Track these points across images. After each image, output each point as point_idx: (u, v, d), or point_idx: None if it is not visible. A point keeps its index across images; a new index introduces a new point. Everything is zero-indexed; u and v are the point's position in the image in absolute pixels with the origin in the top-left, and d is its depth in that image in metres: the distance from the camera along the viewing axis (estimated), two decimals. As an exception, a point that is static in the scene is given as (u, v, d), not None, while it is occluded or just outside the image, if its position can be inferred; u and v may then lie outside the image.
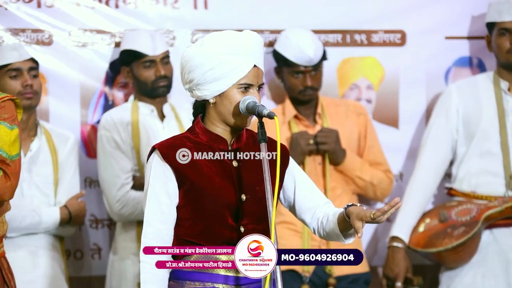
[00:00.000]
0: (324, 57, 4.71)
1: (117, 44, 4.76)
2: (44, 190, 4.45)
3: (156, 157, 3.10)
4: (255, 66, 3.08)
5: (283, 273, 4.12)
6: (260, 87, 3.11)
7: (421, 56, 5.01)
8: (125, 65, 4.65)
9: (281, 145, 3.07)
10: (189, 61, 3.09)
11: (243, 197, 3.10)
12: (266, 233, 2.96)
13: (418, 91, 5.03)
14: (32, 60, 4.42)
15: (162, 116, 4.66)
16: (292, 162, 3.25)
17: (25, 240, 4.40)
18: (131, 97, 4.69)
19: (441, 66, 5.04)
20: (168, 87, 4.63)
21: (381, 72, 5.03)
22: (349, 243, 3.20)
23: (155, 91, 4.60)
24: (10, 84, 4.36)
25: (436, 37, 5.01)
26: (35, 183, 4.43)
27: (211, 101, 3.10)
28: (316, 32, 4.85)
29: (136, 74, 4.61)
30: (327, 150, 4.65)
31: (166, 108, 4.66)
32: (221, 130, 3.14)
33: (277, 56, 4.73)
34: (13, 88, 4.33)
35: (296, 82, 4.69)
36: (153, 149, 3.12)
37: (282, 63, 4.71)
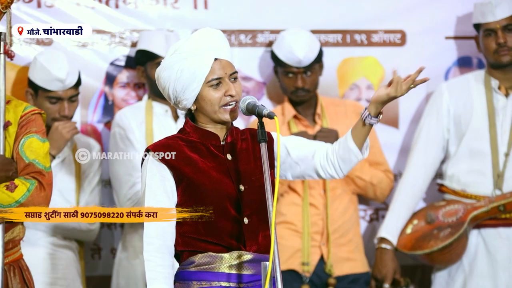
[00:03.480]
0: (318, 60, 4.70)
1: (134, 44, 4.77)
2: (66, 197, 4.50)
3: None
4: (216, 59, 3.08)
5: (283, 273, 4.12)
6: (234, 77, 3.11)
7: (421, 56, 5.01)
8: (140, 64, 4.66)
9: (266, 132, 3.05)
10: (158, 80, 3.15)
11: (242, 187, 3.11)
12: (268, 224, 2.96)
13: (418, 91, 5.00)
14: (75, 85, 4.46)
15: (176, 116, 4.67)
16: (275, 137, 3.22)
17: (44, 241, 4.44)
18: (145, 97, 4.71)
19: (441, 66, 5.05)
20: None
21: (381, 72, 5.03)
22: (365, 157, 3.24)
23: None
24: (47, 107, 4.42)
25: (436, 37, 5.01)
26: (58, 189, 4.45)
27: (193, 108, 3.14)
28: (316, 32, 4.85)
29: (149, 74, 4.62)
30: None
31: None
32: (212, 128, 3.16)
33: (272, 56, 4.73)
34: (49, 112, 4.40)
35: (289, 83, 4.69)
36: (147, 151, 3.14)
37: (277, 63, 4.72)
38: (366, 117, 3.15)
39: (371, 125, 3.18)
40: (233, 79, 3.11)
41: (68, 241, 4.51)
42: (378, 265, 4.66)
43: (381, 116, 3.18)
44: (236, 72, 3.13)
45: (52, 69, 4.40)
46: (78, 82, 4.49)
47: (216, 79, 3.08)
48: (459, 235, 4.52)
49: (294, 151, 3.24)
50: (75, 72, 4.48)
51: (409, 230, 4.67)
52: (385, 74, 5.02)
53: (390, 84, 3.13)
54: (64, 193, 4.49)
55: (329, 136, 4.63)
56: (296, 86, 4.66)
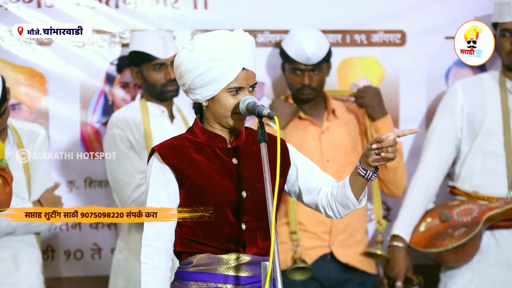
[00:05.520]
0: (326, 59, 4.70)
1: (125, 45, 4.77)
2: (19, 194, 4.36)
3: (155, 159, 3.12)
4: (243, 68, 3.08)
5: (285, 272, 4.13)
6: (252, 87, 3.11)
7: (421, 56, 5.01)
8: (134, 65, 4.64)
9: (281, 140, 3.06)
10: (179, 67, 3.12)
11: (244, 194, 3.10)
12: (269, 230, 2.96)
13: (418, 91, 5.03)
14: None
15: (172, 117, 4.66)
16: (292, 150, 3.23)
17: (6, 241, 4.37)
18: (138, 97, 4.68)
19: (441, 66, 5.05)
20: (177, 91, 4.61)
21: (381, 72, 5.03)
22: (362, 206, 3.16)
23: (163, 95, 4.59)
24: None
25: (436, 37, 5.01)
26: None
27: (204, 104, 3.12)
28: (316, 32, 4.85)
29: (145, 76, 4.60)
30: (363, 104, 4.69)
31: (175, 110, 4.67)
32: (219, 130, 3.15)
33: (281, 52, 4.73)
34: None
35: (295, 80, 4.70)
36: (152, 151, 3.14)
37: (285, 60, 4.72)
38: (370, 176, 3.07)
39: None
40: (251, 89, 3.11)
41: (31, 238, 4.42)
42: (390, 263, 4.64)
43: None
44: (256, 83, 3.13)
45: None
46: (3, 97, 4.20)
47: (237, 87, 3.08)
48: (473, 235, 4.52)
49: (302, 179, 3.23)
50: None
51: (422, 228, 4.65)
52: (385, 74, 5.02)
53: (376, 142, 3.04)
54: (15, 190, 4.37)
55: (367, 91, 4.70)
56: (303, 83, 4.66)
